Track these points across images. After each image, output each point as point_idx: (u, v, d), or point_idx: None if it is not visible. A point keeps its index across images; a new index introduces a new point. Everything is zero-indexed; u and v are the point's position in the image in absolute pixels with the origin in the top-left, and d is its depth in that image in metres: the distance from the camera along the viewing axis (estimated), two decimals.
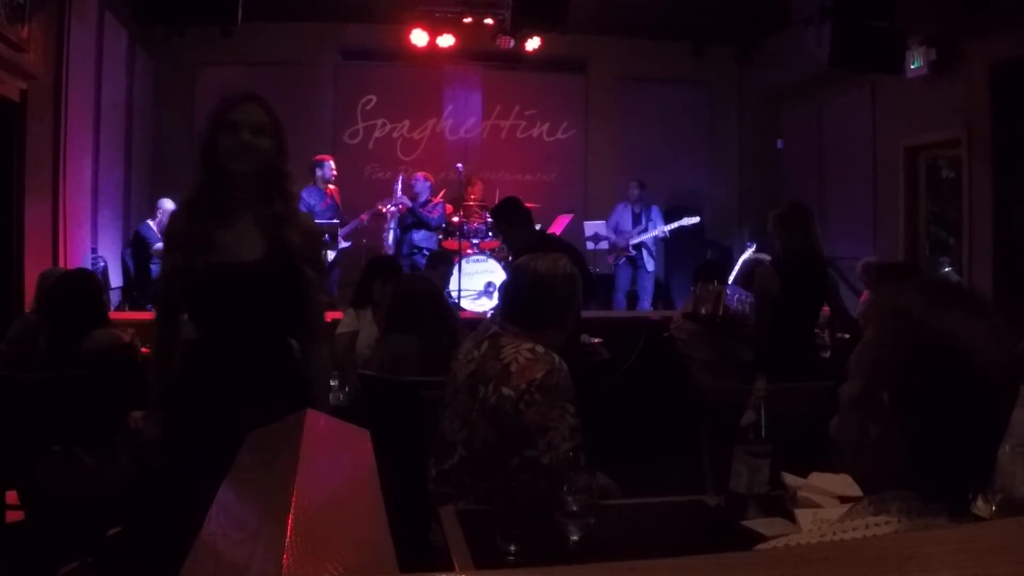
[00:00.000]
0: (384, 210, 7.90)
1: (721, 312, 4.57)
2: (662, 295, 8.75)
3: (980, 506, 1.68)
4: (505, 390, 2.16)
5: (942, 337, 1.01)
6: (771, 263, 4.38)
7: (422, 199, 7.81)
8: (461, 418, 2.26)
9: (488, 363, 2.24)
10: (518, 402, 2.14)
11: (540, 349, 2.22)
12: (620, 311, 7.96)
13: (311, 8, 8.37)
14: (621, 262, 8.20)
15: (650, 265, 8.18)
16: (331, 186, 7.63)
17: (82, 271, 4.76)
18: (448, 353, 3.18)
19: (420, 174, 7.98)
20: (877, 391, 1.05)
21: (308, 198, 7.45)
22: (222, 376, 2.28)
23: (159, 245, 6.93)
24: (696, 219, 8.06)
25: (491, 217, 4.92)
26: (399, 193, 7.87)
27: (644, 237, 8.09)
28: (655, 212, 8.23)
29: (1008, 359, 1.01)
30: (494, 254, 7.55)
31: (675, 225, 8.08)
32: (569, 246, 4.55)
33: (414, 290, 3.47)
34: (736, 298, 4.67)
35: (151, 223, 7.10)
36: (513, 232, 4.73)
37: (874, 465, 1.09)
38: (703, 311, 4.63)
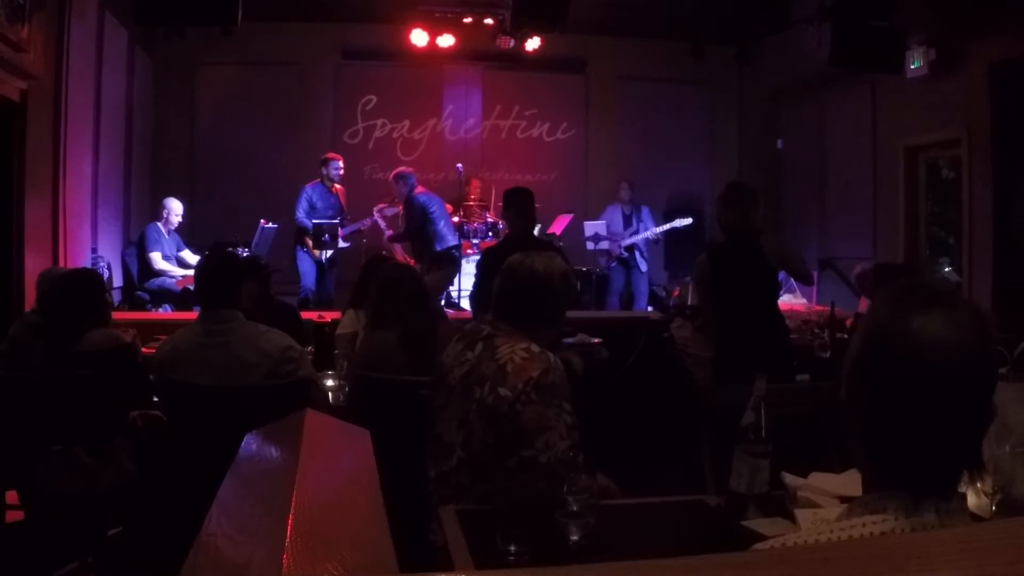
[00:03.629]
0: (390, 215, 7.92)
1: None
2: (658, 296, 8.75)
3: (980, 505, 1.68)
4: (502, 391, 2.15)
5: (896, 331, 1.02)
6: (706, 251, 4.31)
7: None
8: (457, 420, 2.25)
9: (483, 364, 2.23)
10: (515, 402, 2.13)
11: (535, 348, 2.22)
12: (616, 311, 7.96)
13: (311, 8, 8.37)
14: (613, 264, 8.20)
15: (643, 266, 8.16)
16: (337, 186, 7.63)
17: (85, 270, 4.76)
18: (428, 335, 3.19)
19: (400, 172, 7.65)
20: (840, 387, 1.07)
21: (312, 194, 7.47)
22: None
23: (155, 253, 6.93)
24: (688, 220, 8.03)
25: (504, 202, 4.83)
26: (385, 228, 7.80)
27: (635, 239, 8.08)
28: (645, 213, 8.22)
29: (977, 348, 1.02)
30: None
31: (667, 227, 8.05)
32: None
33: (395, 278, 3.48)
34: None
35: (159, 225, 7.10)
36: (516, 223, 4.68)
37: (859, 462, 1.11)
38: (688, 304, 4.63)
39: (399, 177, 7.55)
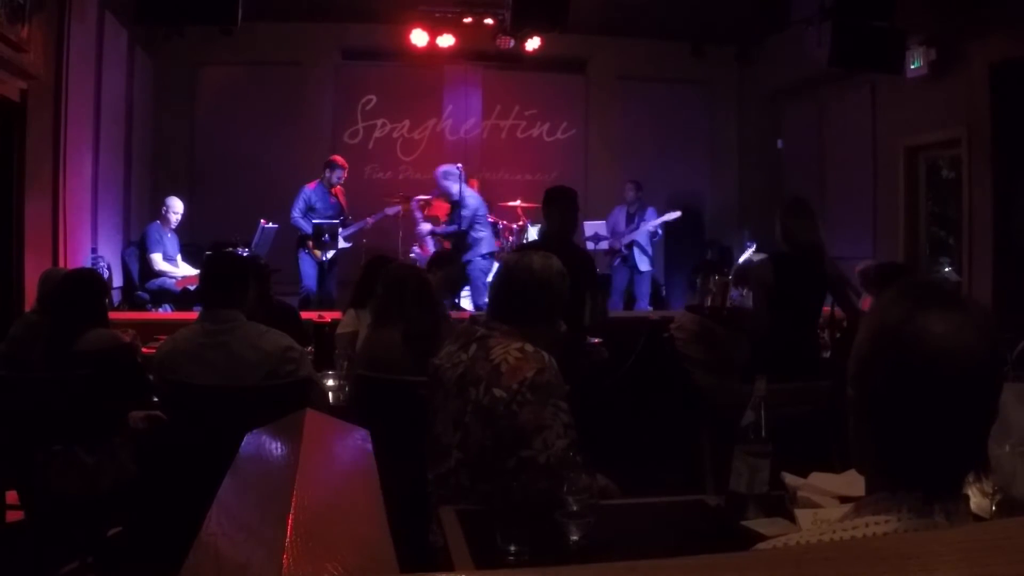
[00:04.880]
0: (391, 214, 7.87)
1: (727, 304, 4.58)
2: (660, 296, 8.74)
3: (980, 505, 1.68)
4: (497, 391, 2.15)
5: (906, 333, 1.02)
6: (769, 257, 4.35)
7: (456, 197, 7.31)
8: (453, 421, 2.24)
9: (477, 364, 2.22)
10: (511, 403, 2.12)
11: (529, 348, 2.21)
12: (619, 311, 7.95)
13: (311, 8, 8.37)
14: (616, 263, 8.19)
15: (643, 265, 8.12)
16: (337, 187, 7.64)
17: (87, 270, 4.76)
18: (430, 334, 3.21)
19: (449, 169, 7.41)
20: (848, 389, 1.07)
21: (311, 196, 7.46)
22: None
23: (156, 254, 6.94)
24: (677, 213, 8.03)
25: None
26: (421, 224, 7.63)
27: (635, 235, 8.06)
28: (650, 213, 8.20)
29: (986, 350, 1.01)
30: (495, 254, 7.53)
31: (659, 221, 8.02)
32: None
33: (401, 277, 3.51)
34: (738, 300, 4.70)
35: (160, 223, 7.11)
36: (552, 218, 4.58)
37: (862, 463, 1.10)
38: (708, 303, 4.63)
39: (448, 173, 7.32)
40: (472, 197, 7.30)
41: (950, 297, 1.05)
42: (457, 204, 7.28)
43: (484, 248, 7.13)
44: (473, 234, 7.19)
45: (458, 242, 7.25)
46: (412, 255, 7.54)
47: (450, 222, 7.42)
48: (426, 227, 7.68)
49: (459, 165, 8.01)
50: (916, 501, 1.01)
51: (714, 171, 9.76)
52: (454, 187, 7.29)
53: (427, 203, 7.91)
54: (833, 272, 4.20)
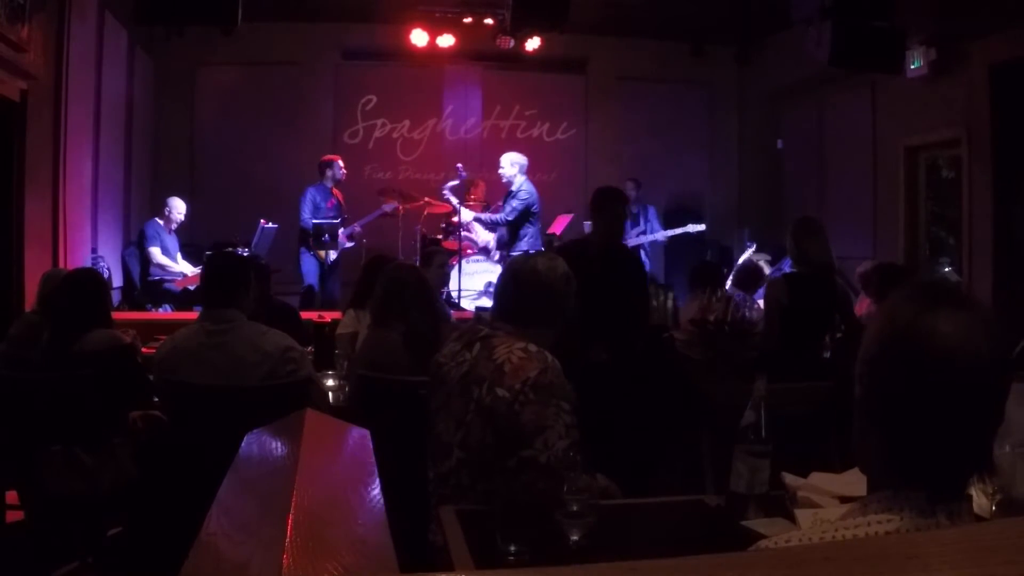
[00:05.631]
0: (389, 211, 7.85)
1: (730, 319, 4.60)
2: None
3: (980, 505, 1.68)
4: (500, 391, 2.15)
5: (915, 332, 1.02)
6: (783, 276, 4.41)
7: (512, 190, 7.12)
8: (455, 420, 2.25)
9: (481, 364, 2.23)
10: (513, 403, 2.13)
11: (533, 348, 2.22)
12: None
13: (311, 8, 8.37)
14: None
15: (646, 266, 8.12)
16: (336, 187, 7.64)
17: (88, 270, 4.76)
18: (431, 335, 3.22)
19: (515, 157, 7.26)
20: (855, 388, 1.07)
21: (315, 195, 7.46)
22: None
23: (155, 248, 6.94)
24: (702, 227, 7.99)
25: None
26: (464, 209, 7.45)
27: (643, 240, 8.03)
28: (652, 212, 8.20)
29: (994, 351, 1.01)
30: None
31: (679, 231, 7.99)
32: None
33: (400, 277, 3.52)
34: (742, 303, 4.71)
35: (159, 221, 7.11)
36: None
37: (866, 463, 1.10)
38: (712, 318, 4.65)
39: (516, 161, 7.17)
40: (529, 192, 7.16)
41: (959, 297, 1.05)
42: (511, 194, 7.18)
43: (525, 245, 6.99)
44: (521, 230, 7.10)
45: (503, 233, 7.19)
46: (465, 235, 7.49)
47: (504, 211, 7.31)
48: (469, 213, 7.52)
49: (460, 165, 8.03)
50: (920, 501, 1.01)
51: (714, 171, 9.76)
52: (517, 177, 7.18)
53: (472, 182, 7.72)
54: (842, 287, 4.30)
